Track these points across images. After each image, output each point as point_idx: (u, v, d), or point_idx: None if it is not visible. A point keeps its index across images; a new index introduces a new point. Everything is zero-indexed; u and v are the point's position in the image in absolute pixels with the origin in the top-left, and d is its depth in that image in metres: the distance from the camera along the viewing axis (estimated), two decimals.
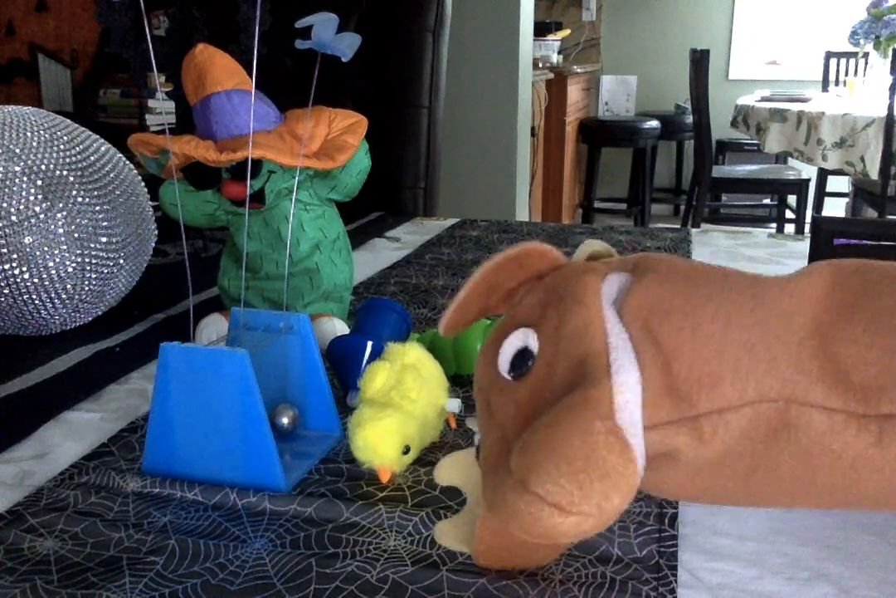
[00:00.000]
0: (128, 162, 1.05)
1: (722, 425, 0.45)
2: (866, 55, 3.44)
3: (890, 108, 2.67)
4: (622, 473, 0.43)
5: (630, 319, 0.48)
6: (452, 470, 0.59)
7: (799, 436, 0.45)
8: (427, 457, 0.71)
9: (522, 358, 0.51)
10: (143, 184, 1.06)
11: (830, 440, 0.45)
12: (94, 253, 0.94)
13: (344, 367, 0.80)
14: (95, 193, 0.95)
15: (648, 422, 0.45)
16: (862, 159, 2.78)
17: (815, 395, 0.45)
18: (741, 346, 0.46)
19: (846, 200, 3.78)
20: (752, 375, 0.45)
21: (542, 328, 0.50)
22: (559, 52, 4.16)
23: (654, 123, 4.36)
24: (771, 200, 3.89)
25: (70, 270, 0.93)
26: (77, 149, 0.97)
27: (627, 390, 0.45)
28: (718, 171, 3.48)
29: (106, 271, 0.97)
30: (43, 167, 0.92)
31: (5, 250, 0.89)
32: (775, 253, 1.44)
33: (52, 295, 0.93)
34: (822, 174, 3.71)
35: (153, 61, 0.75)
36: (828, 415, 0.45)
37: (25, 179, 0.90)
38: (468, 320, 0.57)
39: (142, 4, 0.69)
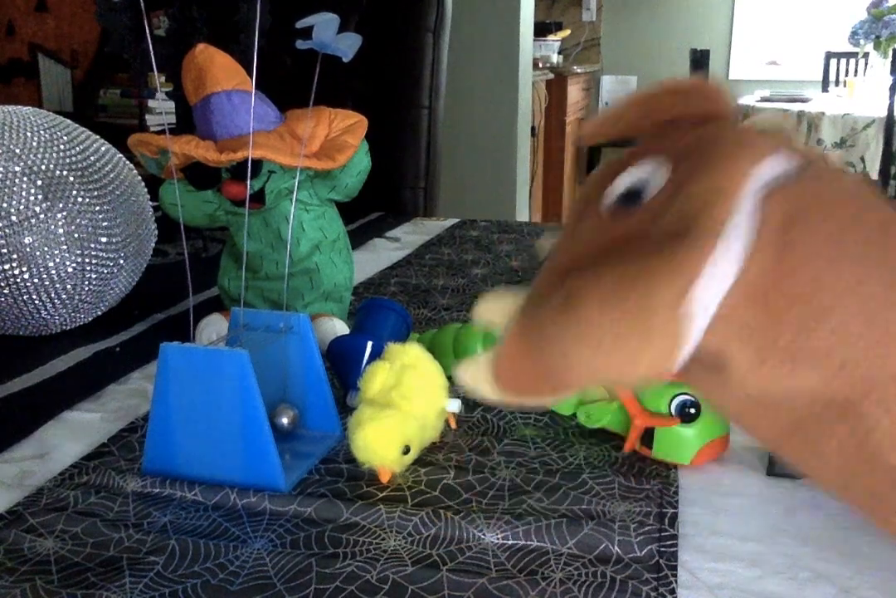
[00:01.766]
0: (128, 162, 1.05)
1: (788, 368, 0.41)
2: (866, 55, 3.44)
3: (890, 108, 2.67)
4: (664, 349, 0.39)
5: (772, 211, 0.41)
6: (495, 310, 0.54)
7: (860, 427, 0.41)
8: (427, 457, 0.71)
9: (634, 195, 0.45)
10: (143, 184, 1.06)
11: None
12: (94, 253, 0.94)
13: (344, 367, 0.80)
14: (95, 193, 0.95)
15: (721, 317, 0.41)
16: (862, 159, 2.79)
17: None
18: (865, 314, 0.40)
19: None
20: (853, 342, 0.40)
21: (678, 169, 0.44)
22: (559, 53, 4.16)
23: None
24: None
25: (70, 270, 0.93)
26: (77, 149, 0.97)
27: (720, 271, 0.40)
28: None
29: (106, 271, 0.97)
30: (43, 167, 0.92)
31: (5, 250, 0.89)
32: None
33: (52, 295, 0.93)
34: None
35: (153, 61, 0.75)
36: None
37: (25, 179, 0.90)
38: (612, 132, 0.51)
39: (142, 4, 0.69)
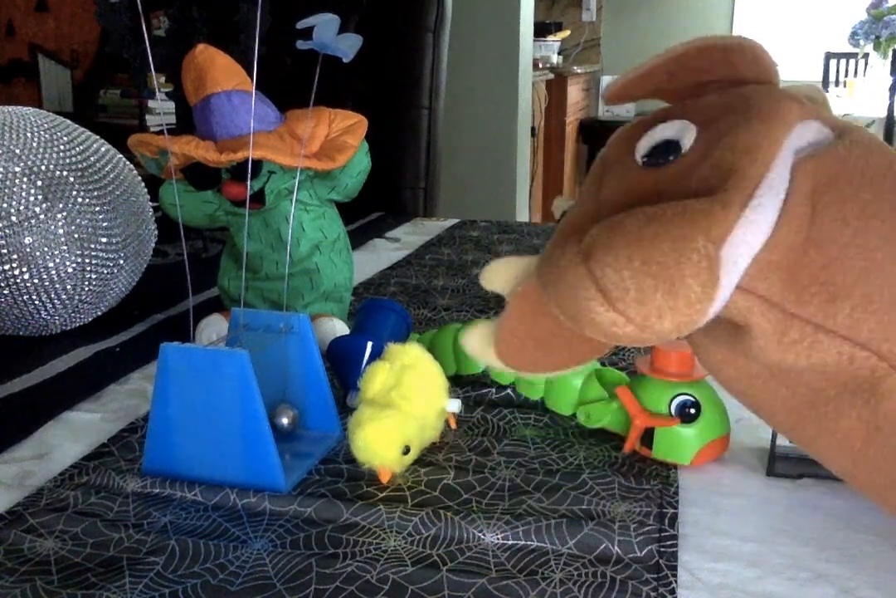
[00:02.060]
0: (128, 162, 1.05)
1: (810, 341, 0.39)
2: (866, 56, 3.44)
3: (890, 108, 2.67)
4: (691, 301, 0.37)
5: (803, 178, 0.40)
6: (502, 274, 0.52)
7: (881, 407, 0.40)
8: (427, 457, 0.71)
9: (665, 150, 0.44)
10: (143, 184, 1.06)
11: None
12: (94, 253, 0.94)
13: (344, 367, 0.80)
14: (95, 193, 0.95)
15: (747, 282, 0.40)
16: None
17: None
18: (890, 282, 0.39)
19: None
20: (879, 317, 0.39)
21: (709, 129, 0.43)
22: (559, 53, 4.16)
23: None
24: None
25: (70, 270, 0.93)
26: (77, 149, 0.97)
27: (751, 232, 0.38)
28: None
29: (106, 272, 0.97)
30: (43, 168, 0.92)
31: (5, 251, 0.89)
32: None
33: (53, 295, 0.93)
34: None
35: (153, 61, 0.75)
36: None
37: (25, 179, 0.90)
38: (637, 93, 0.50)
39: (138, 4, 0.69)
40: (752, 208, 0.38)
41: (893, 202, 0.41)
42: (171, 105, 1.49)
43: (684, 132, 0.44)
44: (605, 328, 0.39)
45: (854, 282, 0.39)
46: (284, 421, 0.71)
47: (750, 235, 0.39)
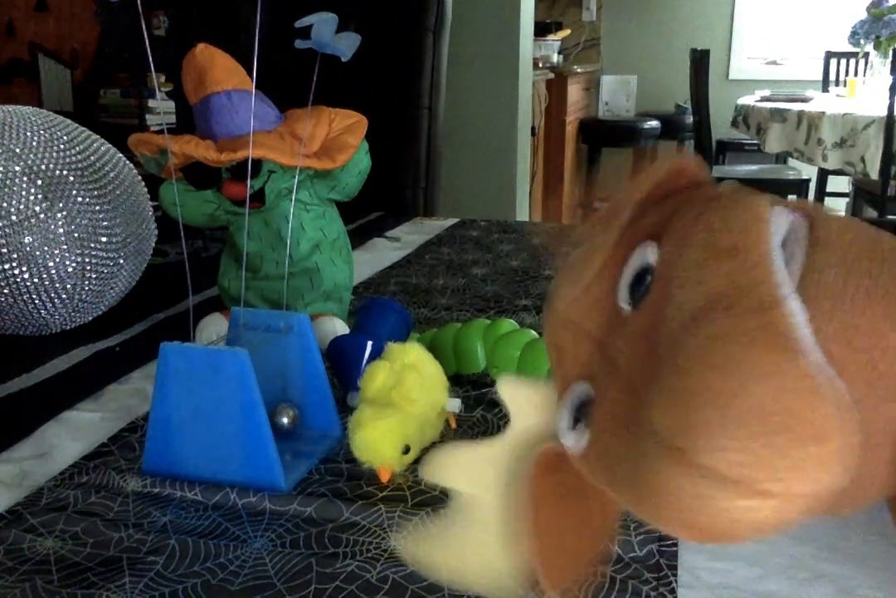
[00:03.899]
0: (128, 162, 1.05)
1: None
2: (866, 55, 3.44)
3: (890, 108, 2.67)
4: (832, 435, 0.29)
5: (829, 260, 0.36)
6: (451, 466, 0.50)
7: None
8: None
9: (641, 279, 0.38)
10: (143, 184, 1.06)
11: None
12: (94, 253, 0.94)
13: (344, 367, 0.80)
14: (95, 193, 0.95)
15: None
16: (862, 159, 2.78)
17: None
18: None
19: (846, 200, 3.78)
20: None
21: (666, 237, 0.38)
22: (559, 52, 4.16)
23: (655, 123, 4.36)
24: None
25: (70, 269, 0.93)
26: (77, 149, 0.97)
27: (806, 324, 0.32)
28: (719, 171, 3.48)
29: (106, 271, 0.97)
30: (43, 167, 0.92)
31: (5, 250, 0.89)
32: None
33: (53, 295, 0.93)
34: (823, 174, 3.71)
35: (153, 61, 0.75)
36: None
37: (25, 178, 0.90)
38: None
39: (139, 5, 0.69)
40: (788, 298, 0.33)
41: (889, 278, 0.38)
42: (171, 104, 1.49)
43: (647, 252, 0.39)
44: (742, 520, 0.31)
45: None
46: (284, 421, 0.71)
47: (808, 327, 0.33)
